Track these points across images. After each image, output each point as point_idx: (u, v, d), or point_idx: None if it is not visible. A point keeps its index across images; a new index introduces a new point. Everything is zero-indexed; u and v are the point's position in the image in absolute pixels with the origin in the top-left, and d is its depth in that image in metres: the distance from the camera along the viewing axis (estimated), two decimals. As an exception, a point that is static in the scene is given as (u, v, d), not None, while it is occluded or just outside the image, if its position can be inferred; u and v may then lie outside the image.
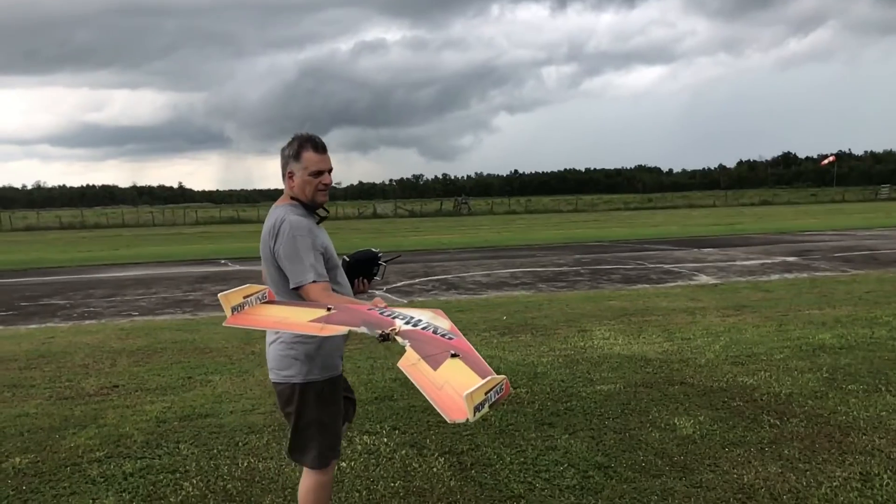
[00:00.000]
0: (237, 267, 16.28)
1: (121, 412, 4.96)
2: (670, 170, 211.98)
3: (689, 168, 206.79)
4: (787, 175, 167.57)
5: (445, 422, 4.57)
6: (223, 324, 2.29)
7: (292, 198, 2.67)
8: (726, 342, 6.53)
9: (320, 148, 2.64)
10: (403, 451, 4.04)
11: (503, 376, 1.86)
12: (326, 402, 2.70)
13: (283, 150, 2.67)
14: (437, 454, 4.00)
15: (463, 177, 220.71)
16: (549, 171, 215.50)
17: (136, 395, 5.42)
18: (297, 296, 2.56)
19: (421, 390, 1.88)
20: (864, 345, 6.26)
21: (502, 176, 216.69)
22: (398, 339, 2.15)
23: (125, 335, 7.89)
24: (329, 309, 2.33)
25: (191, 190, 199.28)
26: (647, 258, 15.20)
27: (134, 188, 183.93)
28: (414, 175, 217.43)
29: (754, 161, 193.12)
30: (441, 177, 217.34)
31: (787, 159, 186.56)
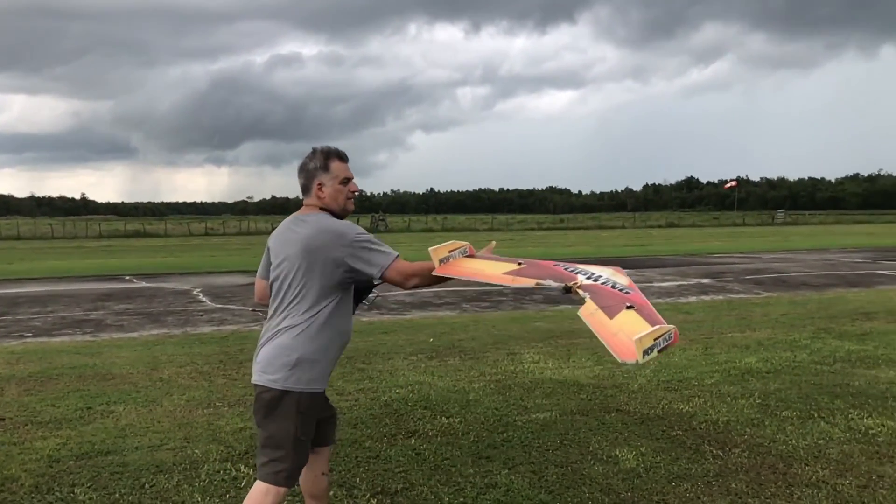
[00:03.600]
0: (143, 283, 15.38)
1: (6, 450, 4.39)
2: (580, 191, 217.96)
3: (598, 190, 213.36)
4: (691, 198, 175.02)
5: (375, 458, 4.23)
6: (432, 272, 2.65)
7: (321, 208, 2.73)
8: (656, 366, 6.46)
9: (345, 157, 2.77)
10: (331, 492, 3.69)
11: (672, 326, 2.15)
12: (307, 418, 2.64)
13: (305, 164, 2.75)
14: (368, 494, 3.68)
15: (379, 194, 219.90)
16: (464, 191, 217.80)
17: (24, 429, 4.84)
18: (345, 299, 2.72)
19: (598, 336, 2.20)
20: (789, 369, 6.31)
21: (418, 194, 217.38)
22: (580, 291, 2.42)
23: (15, 360, 7.16)
24: (519, 263, 2.66)
25: (94, 201, 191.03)
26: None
27: (32, 198, 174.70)
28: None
29: (659, 184, 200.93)
30: (357, 194, 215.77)
31: (690, 183, 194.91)
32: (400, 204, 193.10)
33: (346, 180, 2.76)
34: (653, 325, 2.13)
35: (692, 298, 11.69)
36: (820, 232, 43.15)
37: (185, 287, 14.41)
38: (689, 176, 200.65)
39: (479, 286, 13.79)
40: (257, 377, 2.67)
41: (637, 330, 2.08)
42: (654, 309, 2.30)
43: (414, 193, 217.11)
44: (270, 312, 2.75)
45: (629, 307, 2.27)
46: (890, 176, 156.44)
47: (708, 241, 32.63)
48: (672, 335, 2.15)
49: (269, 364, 2.63)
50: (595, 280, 2.55)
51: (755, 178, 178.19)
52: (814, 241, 31.07)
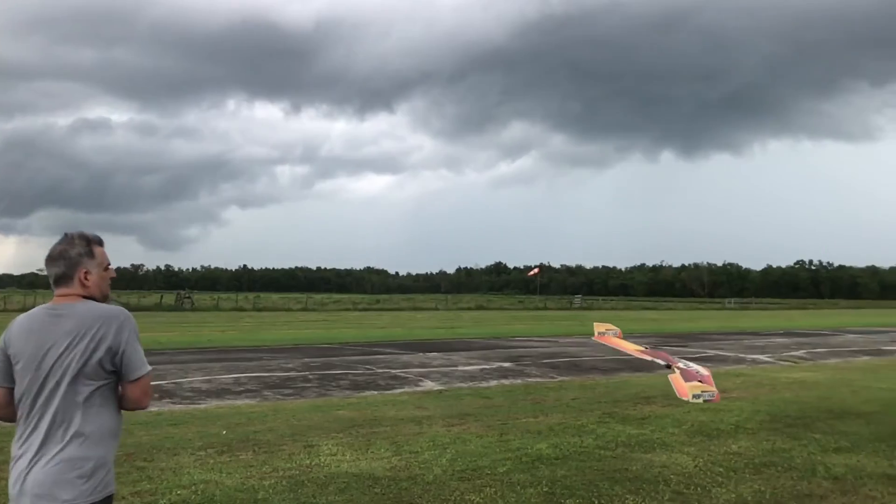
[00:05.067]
0: None
1: None
2: (397, 272, 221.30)
3: (414, 272, 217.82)
4: (499, 282, 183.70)
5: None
6: (592, 338, 6.89)
7: (84, 296, 2.55)
8: (452, 455, 6.52)
9: (103, 242, 2.69)
10: None
11: (716, 390, 6.81)
12: None
13: (64, 252, 2.55)
14: None
15: (188, 269, 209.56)
16: (280, 268, 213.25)
17: None
18: (111, 394, 2.50)
19: (673, 384, 6.83)
20: (576, 454, 6.61)
21: (231, 270, 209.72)
22: (675, 368, 6.68)
23: None
24: (645, 348, 7.20)
25: None
26: (376, 362, 15.22)
27: None
28: (133, 265, 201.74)
29: (471, 268, 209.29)
30: (164, 268, 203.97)
31: (499, 268, 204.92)
32: (210, 280, 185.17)
33: (107, 267, 2.67)
34: (707, 385, 5.57)
35: (493, 383, 12.06)
36: (611, 317, 46.72)
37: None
38: (498, 261, 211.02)
39: (285, 370, 13.35)
40: None
41: (695, 385, 5.74)
42: (713, 382, 6.45)
43: (226, 270, 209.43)
44: (26, 428, 2.41)
45: (700, 381, 6.20)
46: (671, 267, 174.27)
47: (513, 325, 34.16)
48: (714, 395, 5.86)
49: (56, 487, 2.32)
50: (686, 366, 6.44)
51: (556, 265, 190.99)
52: (606, 325, 33.54)
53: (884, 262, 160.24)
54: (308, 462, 6.27)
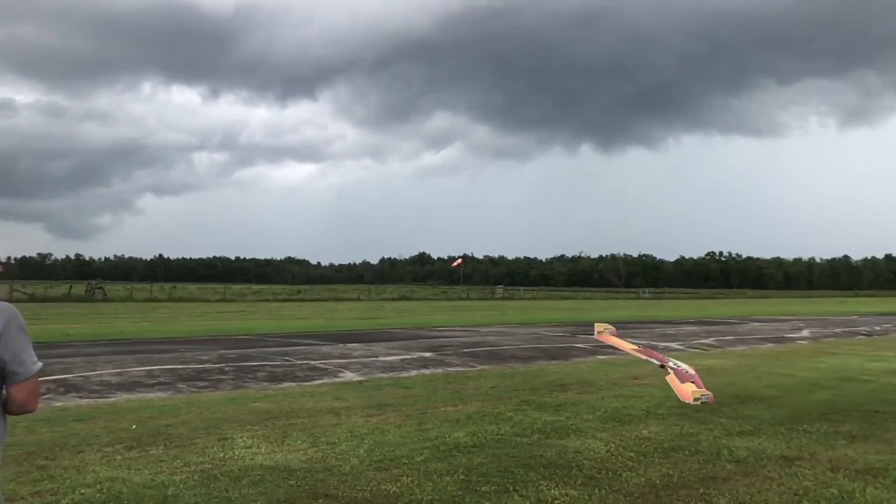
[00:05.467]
0: None
1: None
2: (319, 262, 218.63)
3: (337, 262, 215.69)
4: (423, 273, 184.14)
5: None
6: (594, 335, 8.76)
7: None
8: (370, 445, 6.50)
9: None
10: None
11: (710, 393, 7.84)
12: None
13: None
14: None
15: (100, 258, 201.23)
16: (197, 258, 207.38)
17: None
18: None
19: (672, 386, 7.80)
20: (493, 442, 6.70)
21: (145, 260, 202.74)
22: (668, 368, 7.80)
23: None
24: (638, 346, 8.21)
25: None
26: (295, 353, 15.01)
27: None
28: (40, 253, 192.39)
29: (395, 259, 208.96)
30: (74, 257, 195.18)
31: (423, 259, 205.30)
32: (124, 270, 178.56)
33: None
34: (699, 388, 7.39)
35: (413, 372, 12.08)
36: (532, 307, 47.56)
37: None
38: (421, 251, 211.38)
39: (200, 362, 13.00)
40: None
41: (693, 389, 7.23)
42: (702, 383, 7.65)
43: (140, 259, 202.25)
44: None
45: (692, 382, 7.49)
46: (589, 258, 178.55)
47: (435, 315, 34.29)
48: (709, 397, 7.43)
49: None
50: (676, 365, 7.64)
51: (479, 255, 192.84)
52: (525, 315, 34.11)
53: (788, 254, 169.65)
54: (222, 455, 6.12)
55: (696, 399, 7.82)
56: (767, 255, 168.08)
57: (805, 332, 23.35)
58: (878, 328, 26.16)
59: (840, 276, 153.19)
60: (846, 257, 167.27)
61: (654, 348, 12.86)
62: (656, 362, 8.54)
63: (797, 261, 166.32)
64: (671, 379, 8.13)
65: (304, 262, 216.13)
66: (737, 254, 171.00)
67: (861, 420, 7.96)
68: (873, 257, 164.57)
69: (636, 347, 8.82)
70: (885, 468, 5.88)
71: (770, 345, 18.73)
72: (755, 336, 21.48)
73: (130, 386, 10.25)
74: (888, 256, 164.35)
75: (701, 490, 5.26)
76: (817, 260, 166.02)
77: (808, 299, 75.28)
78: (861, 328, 25.65)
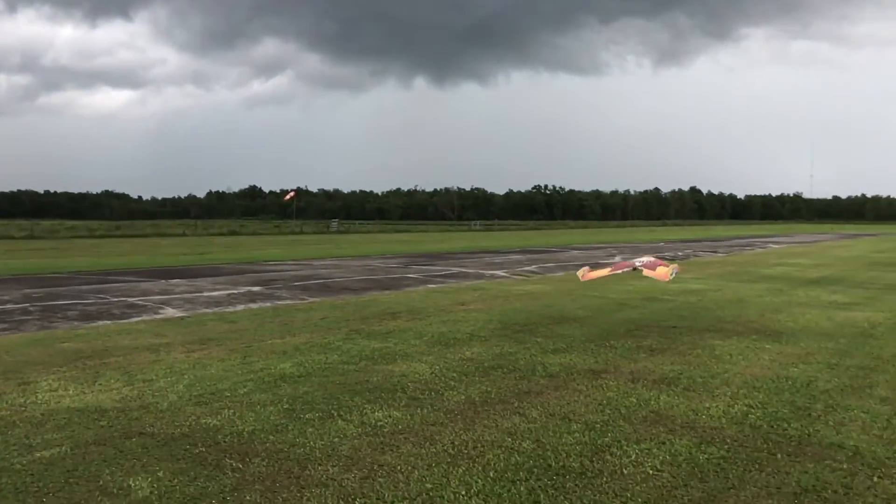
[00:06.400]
0: None
1: None
2: (140, 196, 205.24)
3: (160, 196, 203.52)
4: (254, 207, 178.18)
5: None
6: (581, 278, 9.77)
7: None
8: (190, 380, 6.27)
9: None
10: None
11: (677, 265, 9.15)
12: None
13: None
14: None
15: None
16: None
17: None
18: None
19: (651, 277, 8.81)
20: (320, 371, 6.69)
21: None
22: (639, 268, 9.01)
23: None
24: (612, 269, 9.45)
25: None
26: (111, 290, 14.07)
27: None
28: None
29: (223, 192, 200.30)
30: None
31: (254, 192, 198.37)
32: None
33: None
34: (667, 267, 8.72)
35: (240, 307, 11.73)
36: (366, 240, 47.63)
37: None
38: (252, 185, 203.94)
39: (0, 303, 11.85)
40: None
41: (665, 272, 8.56)
42: (664, 263, 9.07)
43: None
44: None
45: (661, 265, 8.78)
46: (424, 191, 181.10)
47: (267, 249, 33.41)
48: (677, 269, 8.82)
49: None
50: (642, 262, 8.92)
51: (314, 189, 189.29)
52: (360, 248, 34.11)
53: (606, 187, 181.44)
54: (22, 401, 5.66)
55: (672, 275, 8.74)
56: (588, 188, 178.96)
57: (618, 259, 25.20)
58: (680, 253, 28.80)
59: (651, 207, 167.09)
60: (657, 189, 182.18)
61: (482, 276, 13.32)
62: (629, 269, 9.33)
63: (614, 193, 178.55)
64: (647, 273, 8.90)
65: (124, 196, 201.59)
66: (560, 187, 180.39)
67: (660, 335, 8.77)
68: (680, 189, 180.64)
69: (609, 270, 9.57)
70: (677, 377, 6.53)
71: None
72: (573, 263, 22.87)
73: (-87, 332, 9.16)
74: (693, 189, 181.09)
75: (516, 404, 5.58)
76: (632, 192, 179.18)
77: (623, 229, 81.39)
78: (666, 253, 28.07)
